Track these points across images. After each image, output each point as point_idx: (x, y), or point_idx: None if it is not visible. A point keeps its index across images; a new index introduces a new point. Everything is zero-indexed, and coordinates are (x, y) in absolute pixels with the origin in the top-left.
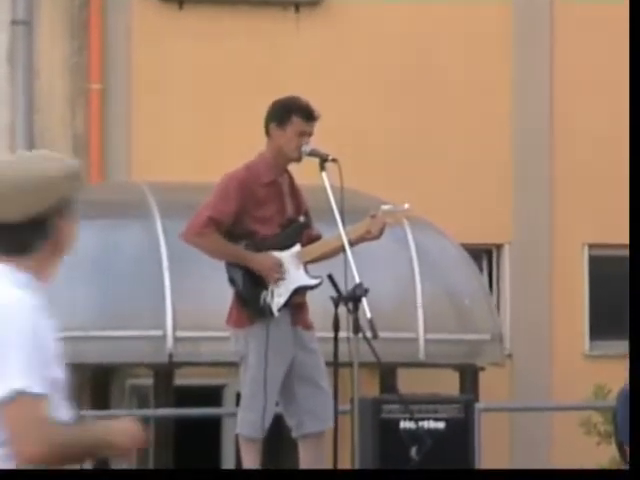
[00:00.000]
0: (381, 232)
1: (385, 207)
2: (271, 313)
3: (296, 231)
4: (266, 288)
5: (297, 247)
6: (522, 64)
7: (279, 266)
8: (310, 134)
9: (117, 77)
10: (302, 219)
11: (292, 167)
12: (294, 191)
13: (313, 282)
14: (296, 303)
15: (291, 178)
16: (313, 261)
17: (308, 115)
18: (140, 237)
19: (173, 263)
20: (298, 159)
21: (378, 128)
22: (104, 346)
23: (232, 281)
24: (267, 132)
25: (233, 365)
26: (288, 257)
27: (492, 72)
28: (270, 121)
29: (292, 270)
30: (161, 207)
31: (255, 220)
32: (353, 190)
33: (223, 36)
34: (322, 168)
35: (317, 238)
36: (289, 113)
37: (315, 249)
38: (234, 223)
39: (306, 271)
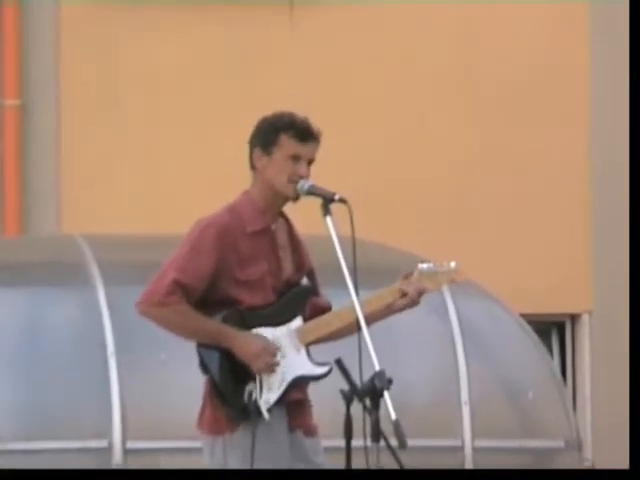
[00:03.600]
0: (418, 297)
1: (424, 266)
2: (259, 414)
3: (297, 299)
4: (253, 378)
5: (298, 321)
6: (601, 85)
7: (272, 353)
8: (309, 160)
9: (42, 90)
10: (305, 282)
11: (289, 211)
12: (294, 243)
13: (319, 371)
14: (294, 400)
15: (289, 225)
16: (319, 341)
17: (303, 132)
18: (76, 312)
19: (122, 347)
20: (294, 196)
21: (403, 155)
22: (28, 463)
23: (205, 368)
24: (251, 163)
25: None
26: (285, 335)
27: (565, 94)
28: (253, 146)
29: (290, 354)
30: (104, 270)
31: (239, 284)
32: (370, 242)
33: (190, 32)
34: (326, 211)
35: (326, 309)
36: (276, 131)
37: (323, 325)
38: (209, 288)
39: (309, 355)
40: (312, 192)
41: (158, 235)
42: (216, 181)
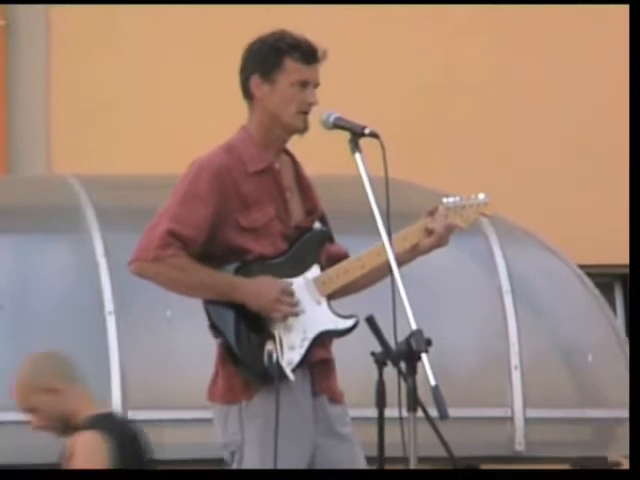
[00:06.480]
0: (447, 233)
1: (449, 200)
2: (283, 376)
3: (312, 246)
4: (271, 337)
5: (315, 270)
6: None
7: (289, 294)
8: (315, 84)
9: (29, 8)
10: (319, 226)
11: (304, 148)
12: (302, 183)
13: (344, 325)
14: (318, 360)
15: (296, 164)
16: (340, 293)
17: (309, 54)
18: (69, 263)
19: (122, 304)
20: (304, 129)
21: (449, 90)
22: (16, 436)
23: (216, 329)
24: (246, 93)
25: (217, 465)
26: (302, 287)
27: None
28: (250, 73)
29: (310, 307)
30: (101, 215)
31: (243, 232)
32: (404, 182)
33: None
34: (355, 147)
35: (342, 258)
36: (278, 54)
37: (343, 273)
38: (211, 238)
39: (331, 308)
40: (339, 125)
41: (162, 176)
42: (225, 116)
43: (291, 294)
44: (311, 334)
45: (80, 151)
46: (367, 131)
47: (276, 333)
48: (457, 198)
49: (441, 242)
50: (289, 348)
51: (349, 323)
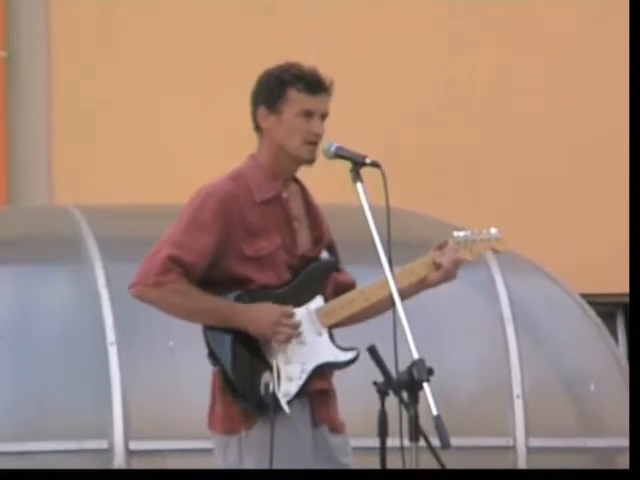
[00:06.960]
0: (454, 268)
1: (460, 234)
2: (278, 408)
3: (316, 276)
4: (269, 367)
5: (318, 301)
6: None
7: (288, 316)
8: (322, 114)
9: (30, 40)
10: (325, 256)
11: (307, 178)
12: (310, 212)
13: (345, 357)
14: (317, 390)
15: (304, 192)
16: (343, 324)
17: (313, 84)
18: (71, 293)
19: (123, 334)
20: (310, 159)
21: (447, 112)
22: (17, 466)
23: (214, 358)
24: (255, 123)
25: None
26: (304, 318)
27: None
28: (257, 104)
29: (311, 338)
30: (103, 245)
31: (247, 261)
32: (405, 212)
33: None
34: (356, 177)
35: (350, 287)
36: (282, 86)
37: (347, 304)
38: (214, 266)
39: (332, 340)
40: (340, 155)
41: (164, 205)
42: (229, 143)
43: (291, 316)
44: (310, 366)
45: (82, 178)
46: (368, 161)
47: (274, 363)
48: (468, 232)
49: (448, 277)
50: (287, 379)
51: (349, 356)
